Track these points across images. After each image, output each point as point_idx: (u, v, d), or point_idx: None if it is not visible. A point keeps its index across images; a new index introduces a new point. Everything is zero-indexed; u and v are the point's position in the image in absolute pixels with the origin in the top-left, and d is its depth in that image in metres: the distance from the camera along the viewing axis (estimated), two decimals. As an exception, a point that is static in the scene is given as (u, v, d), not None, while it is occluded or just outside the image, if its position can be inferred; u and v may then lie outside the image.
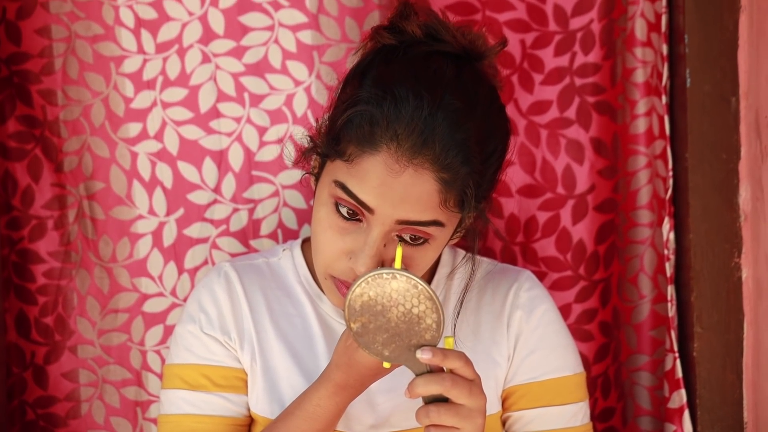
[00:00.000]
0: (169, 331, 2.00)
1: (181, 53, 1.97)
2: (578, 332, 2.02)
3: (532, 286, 1.79)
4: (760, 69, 1.87)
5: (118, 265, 2.00)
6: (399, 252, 1.53)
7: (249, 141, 1.98)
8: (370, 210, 1.53)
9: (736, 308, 1.93)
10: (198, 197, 1.99)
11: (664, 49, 1.95)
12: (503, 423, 1.77)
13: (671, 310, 1.96)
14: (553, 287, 2.02)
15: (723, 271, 1.92)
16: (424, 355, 1.47)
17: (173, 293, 2.00)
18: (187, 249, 2.00)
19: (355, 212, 1.55)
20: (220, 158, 1.99)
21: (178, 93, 1.97)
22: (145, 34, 1.96)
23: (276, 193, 2.00)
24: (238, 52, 1.97)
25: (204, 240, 2.00)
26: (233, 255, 1.99)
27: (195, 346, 1.73)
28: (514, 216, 2.02)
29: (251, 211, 2.00)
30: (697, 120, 1.91)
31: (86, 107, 1.98)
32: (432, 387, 1.48)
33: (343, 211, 1.56)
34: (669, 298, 1.95)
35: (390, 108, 1.51)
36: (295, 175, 1.99)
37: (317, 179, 1.63)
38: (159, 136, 1.98)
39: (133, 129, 1.98)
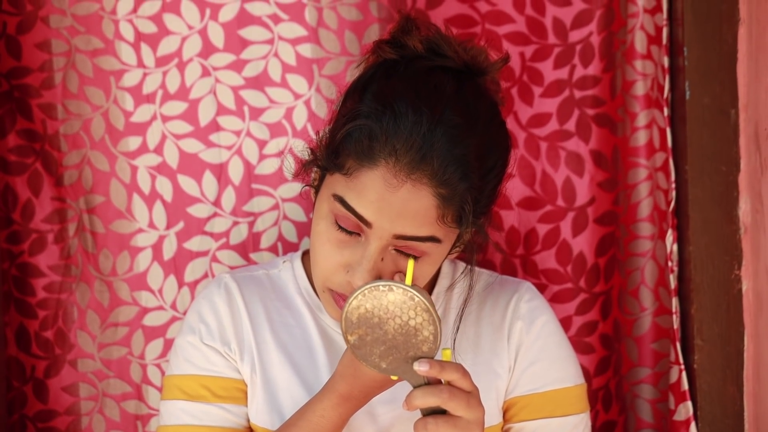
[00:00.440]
0: (169, 344, 1.99)
1: (181, 67, 1.97)
2: (579, 345, 2.02)
3: (532, 297, 1.79)
4: (760, 81, 1.87)
5: (118, 278, 2.00)
6: (410, 266, 1.53)
7: (249, 154, 1.99)
8: (368, 224, 1.53)
9: (736, 321, 1.93)
10: (198, 210, 1.99)
11: (666, 61, 1.95)
12: (504, 435, 1.77)
13: (676, 322, 1.95)
14: (554, 300, 2.02)
15: (723, 284, 1.92)
16: (421, 367, 1.47)
17: (173, 307, 2.00)
18: (187, 262, 2.00)
19: (353, 226, 1.56)
20: (220, 171, 1.99)
21: (177, 106, 1.98)
22: (145, 48, 1.96)
23: (276, 206, 2.00)
24: (237, 66, 1.97)
25: (204, 253, 2.00)
26: (233, 268, 1.99)
27: (195, 356, 1.73)
28: (514, 228, 2.02)
29: (251, 224, 2.00)
30: (697, 132, 1.91)
31: (86, 121, 1.98)
32: (429, 399, 1.48)
33: (342, 224, 1.56)
34: (674, 310, 1.95)
35: (389, 123, 1.52)
36: (295, 188, 1.99)
37: (317, 192, 1.63)
38: (159, 150, 1.98)
39: (133, 143, 1.98)
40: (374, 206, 1.52)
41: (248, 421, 1.73)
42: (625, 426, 2.10)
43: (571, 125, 2.00)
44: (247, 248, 2.00)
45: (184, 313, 1.98)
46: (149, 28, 1.97)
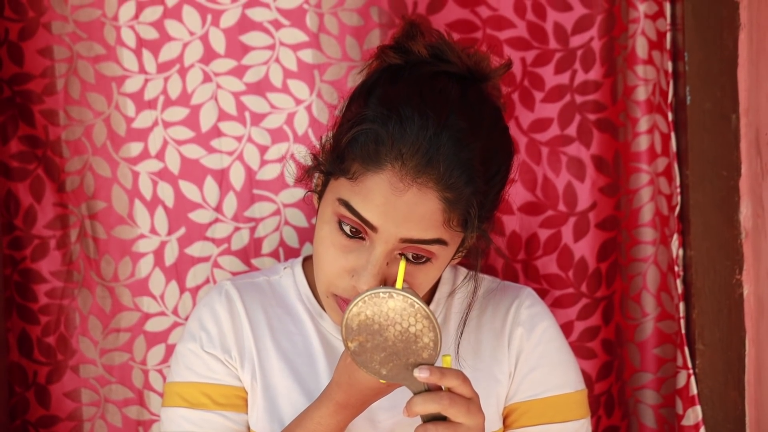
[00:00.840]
0: (170, 350, 2.00)
1: (182, 73, 1.97)
2: (581, 350, 2.02)
3: (533, 303, 1.79)
4: (760, 86, 1.87)
5: (119, 284, 2.00)
6: (401, 269, 1.53)
7: (250, 160, 1.99)
8: (373, 228, 1.53)
9: (737, 325, 1.93)
10: (199, 216, 1.99)
11: (669, 66, 1.95)
12: (505, 441, 1.77)
13: (683, 327, 1.95)
14: (555, 305, 2.01)
15: (724, 288, 1.92)
16: (421, 374, 1.47)
17: (175, 312, 2.00)
18: (189, 268, 2.00)
19: (358, 230, 1.56)
20: (222, 177, 1.99)
21: (179, 112, 1.98)
22: (147, 54, 1.97)
23: (277, 212, 2.00)
24: (239, 72, 1.97)
25: (205, 259, 2.00)
26: (235, 274, 1.99)
27: (196, 364, 1.73)
28: (515, 233, 2.02)
29: (252, 230, 2.00)
30: (698, 138, 1.90)
31: (88, 127, 1.99)
32: (430, 406, 1.48)
33: (346, 229, 1.56)
34: (681, 314, 1.95)
35: (395, 127, 1.52)
36: (296, 193, 1.99)
37: (320, 197, 1.64)
38: (160, 156, 1.98)
39: (135, 148, 1.98)
40: (380, 210, 1.52)
41: (248, 428, 1.73)
42: (627, 431, 2.09)
43: (572, 130, 2.00)
44: (248, 254, 2.00)
45: (186, 319, 1.99)
46: (151, 34, 1.97)
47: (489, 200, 1.61)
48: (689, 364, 1.93)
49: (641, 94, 2.02)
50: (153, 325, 2.01)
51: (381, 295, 1.46)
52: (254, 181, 1.99)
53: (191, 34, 1.97)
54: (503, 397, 1.75)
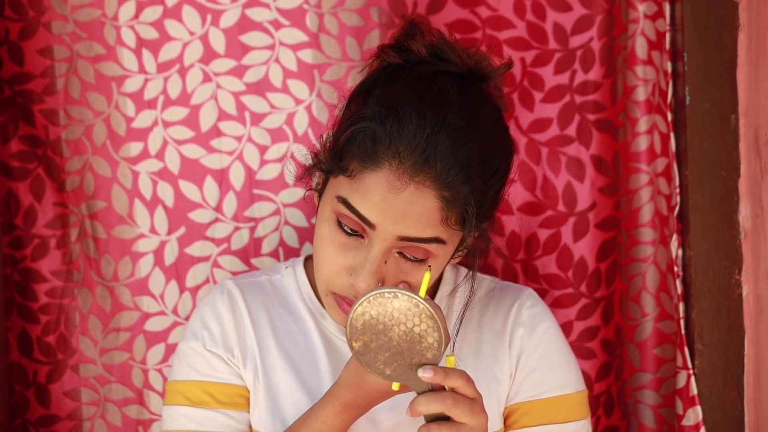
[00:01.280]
0: (170, 349, 2.00)
1: (182, 72, 1.97)
2: (580, 350, 2.02)
3: (534, 303, 1.79)
4: (759, 87, 1.87)
5: (119, 283, 2.01)
6: (426, 279, 1.52)
7: (250, 160, 1.99)
8: (371, 225, 1.54)
9: (736, 325, 1.93)
10: (199, 216, 1.99)
11: (668, 66, 1.95)
12: (505, 441, 1.77)
13: (683, 327, 1.95)
14: (555, 305, 2.01)
15: (723, 289, 1.92)
16: (425, 374, 1.47)
17: (175, 312, 2.00)
18: (189, 267, 2.00)
19: (357, 228, 1.56)
20: (221, 177, 1.99)
21: (179, 112, 1.98)
22: (147, 54, 1.97)
23: (277, 212, 2.00)
24: (238, 71, 1.98)
25: (205, 258, 2.00)
26: (234, 273, 1.99)
27: (198, 362, 1.73)
28: (515, 233, 2.02)
29: (252, 230, 2.00)
30: (697, 138, 1.90)
31: (88, 127, 1.99)
32: (433, 406, 1.48)
33: (345, 226, 1.57)
34: (681, 315, 1.95)
35: (393, 126, 1.53)
36: (296, 193, 1.99)
37: (320, 196, 1.64)
38: (160, 155, 1.98)
39: (135, 148, 1.99)
40: (378, 208, 1.53)
41: (250, 427, 1.73)
42: (627, 431, 2.09)
43: (571, 130, 2.00)
44: (248, 253, 2.00)
45: (186, 319, 1.99)
46: (151, 34, 1.97)
47: (488, 199, 1.61)
48: (689, 365, 1.93)
49: (641, 94, 2.02)
50: (153, 325, 2.01)
51: (386, 295, 1.46)
52: (254, 180, 1.99)
53: (191, 34, 1.97)
54: (504, 397, 1.75)
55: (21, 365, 2.02)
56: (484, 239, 1.65)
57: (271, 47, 1.98)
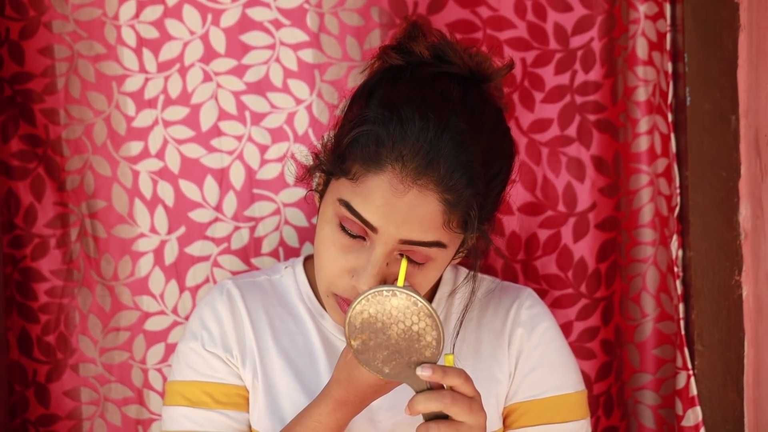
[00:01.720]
0: (170, 349, 2.00)
1: (183, 72, 1.97)
2: (580, 350, 2.02)
3: (533, 303, 1.79)
4: (760, 87, 1.87)
5: (119, 283, 2.01)
6: (403, 268, 1.53)
7: (250, 159, 1.99)
8: (373, 229, 1.54)
9: (736, 326, 1.93)
10: (199, 215, 2.00)
11: (669, 67, 1.95)
12: (504, 441, 1.77)
13: (683, 328, 1.95)
14: (555, 305, 2.02)
15: (723, 289, 1.92)
16: (424, 372, 1.47)
17: (174, 311, 2.00)
18: (189, 267, 2.00)
19: (359, 231, 1.56)
20: (222, 176, 1.99)
21: (179, 111, 1.98)
22: (147, 53, 1.97)
23: (277, 211, 2.00)
24: (239, 71, 1.98)
25: (205, 258, 2.00)
26: (234, 273, 1.99)
27: (197, 363, 1.73)
28: (515, 234, 2.02)
29: (252, 229, 2.00)
30: (697, 138, 1.91)
31: (88, 126, 1.99)
32: (432, 404, 1.48)
33: (347, 229, 1.57)
34: (681, 315, 1.95)
35: (396, 129, 1.52)
36: (296, 193, 1.99)
37: (321, 197, 1.64)
38: (160, 155, 1.98)
39: (135, 148, 1.99)
40: (380, 211, 1.53)
41: (250, 427, 1.73)
42: (626, 432, 2.10)
43: (572, 131, 2.00)
44: (248, 253, 2.00)
45: (186, 318, 1.99)
46: (151, 33, 1.97)
47: (489, 202, 1.61)
48: (689, 365, 1.93)
49: (641, 94, 2.02)
50: (153, 324, 2.01)
51: (384, 293, 1.46)
52: (254, 180, 1.99)
53: (191, 33, 1.97)
54: (503, 397, 1.75)
55: (21, 364, 2.02)
56: (484, 240, 1.65)
57: (272, 47, 1.98)
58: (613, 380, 2.06)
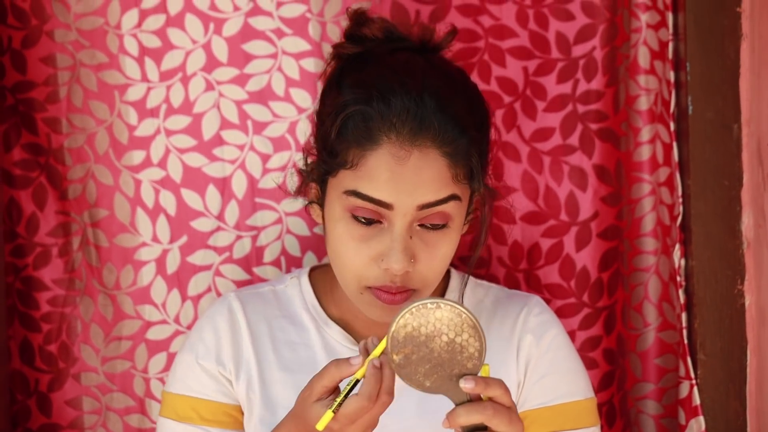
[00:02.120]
0: (172, 358, 1.99)
1: (185, 81, 1.98)
2: (582, 360, 1.99)
3: (541, 311, 1.79)
4: (762, 96, 1.87)
5: (121, 292, 2.01)
6: (382, 344, 1.49)
7: (252, 168, 1.99)
8: (388, 206, 1.55)
9: (739, 335, 1.92)
10: (201, 224, 1.99)
11: (671, 76, 1.95)
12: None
13: (686, 337, 1.94)
14: (557, 314, 1.98)
15: (726, 299, 1.92)
16: (467, 385, 1.43)
17: (177, 320, 2.00)
18: (191, 276, 2.00)
19: (373, 216, 1.57)
20: (224, 185, 1.99)
21: (181, 120, 1.98)
22: (149, 62, 1.97)
23: (279, 221, 2.00)
24: (241, 80, 1.98)
25: (207, 267, 2.00)
26: (236, 282, 1.99)
27: (188, 377, 1.74)
28: (517, 243, 2.02)
29: (254, 239, 2.00)
30: (699, 147, 1.90)
31: (90, 135, 1.99)
32: (474, 416, 1.44)
33: (361, 218, 1.57)
34: (684, 324, 1.94)
35: (379, 102, 1.55)
36: (298, 202, 1.99)
37: (322, 205, 1.64)
38: (162, 164, 1.98)
39: (137, 157, 1.99)
40: (389, 185, 1.54)
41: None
42: (629, 441, 2.10)
43: (574, 140, 2.00)
44: (250, 262, 2.00)
45: (188, 327, 1.99)
46: (153, 42, 1.97)
47: (484, 150, 1.64)
48: (692, 375, 1.93)
49: (643, 103, 2.02)
50: (154, 334, 2.01)
51: (428, 305, 1.44)
52: (256, 189, 1.99)
53: (194, 42, 1.97)
54: (513, 405, 1.74)
55: (23, 374, 2.02)
56: (489, 193, 1.67)
57: (274, 56, 1.98)
58: (615, 390, 2.06)
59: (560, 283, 2.02)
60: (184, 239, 2.00)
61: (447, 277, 1.80)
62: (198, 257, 2.00)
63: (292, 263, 2.00)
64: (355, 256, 1.59)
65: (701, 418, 1.92)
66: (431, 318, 1.44)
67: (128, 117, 1.98)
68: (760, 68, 1.87)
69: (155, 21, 1.97)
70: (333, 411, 1.46)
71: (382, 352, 1.46)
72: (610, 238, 2.02)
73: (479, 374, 1.47)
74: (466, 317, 1.44)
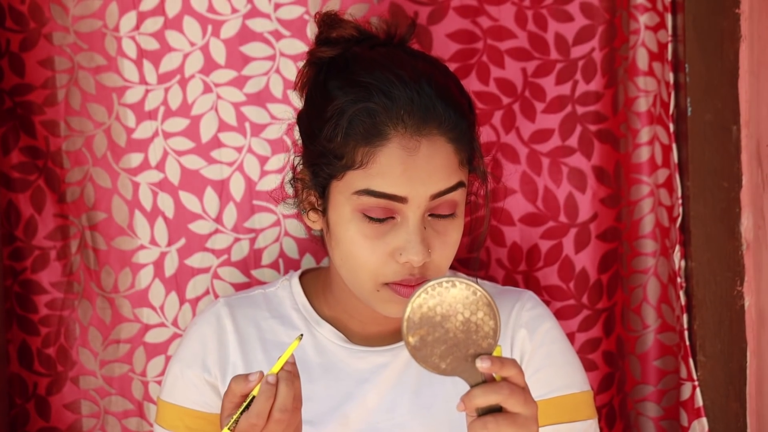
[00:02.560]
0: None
1: (183, 83, 1.97)
2: (582, 362, 1.99)
3: (534, 305, 1.78)
4: (761, 98, 1.87)
5: (119, 295, 2.00)
6: (292, 347, 1.50)
7: (250, 170, 1.99)
8: (402, 200, 1.55)
9: (738, 337, 1.92)
10: (199, 227, 1.99)
11: (670, 77, 1.95)
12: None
13: (686, 339, 1.94)
14: (556, 316, 1.98)
15: (725, 300, 1.92)
16: (483, 364, 1.40)
17: (175, 323, 2.00)
18: (189, 279, 2.00)
19: (386, 213, 1.57)
20: (222, 188, 1.99)
21: (179, 123, 1.98)
22: (147, 65, 1.97)
23: (277, 223, 2.00)
24: (239, 82, 1.98)
25: (205, 270, 2.00)
26: (234, 285, 1.99)
27: (176, 386, 1.75)
28: (516, 245, 2.02)
29: (252, 241, 2.00)
30: (699, 149, 1.90)
31: (88, 138, 1.99)
32: (491, 396, 1.40)
33: (374, 216, 1.57)
34: (685, 326, 1.94)
35: (380, 96, 1.55)
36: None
37: (324, 211, 1.63)
38: (160, 167, 1.98)
39: (135, 159, 1.98)
40: (403, 178, 1.54)
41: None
42: (628, 444, 2.10)
43: (573, 141, 2.00)
44: (248, 265, 2.00)
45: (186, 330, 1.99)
46: (151, 44, 1.97)
47: (477, 131, 1.66)
48: (694, 376, 1.93)
49: (642, 105, 2.02)
50: (153, 337, 2.01)
51: (444, 284, 1.41)
52: (254, 191, 1.99)
53: (192, 44, 1.97)
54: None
55: (21, 377, 2.02)
56: (485, 176, 1.69)
57: (272, 58, 1.98)
58: (615, 392, 2.06)
59: (559, 284, 2.02)
60: (182, 242, 1.99)
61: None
62: (196, 260, 2.00)
63: (290, 266, 2.00)
64: (371, 254, 1.58)
65: (704, 420, 1.92)
66: (447, 297, 1.41)
67: (126, 120, 1.98)
68: (759, 70, 1.87)
69: (153, 23, 1.97)
70: (229, 429, 1.46)
71: (281, 368, 1.46)
72: (610, 239, 2.02)
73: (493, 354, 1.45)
74: (481, 295, 1.41)
